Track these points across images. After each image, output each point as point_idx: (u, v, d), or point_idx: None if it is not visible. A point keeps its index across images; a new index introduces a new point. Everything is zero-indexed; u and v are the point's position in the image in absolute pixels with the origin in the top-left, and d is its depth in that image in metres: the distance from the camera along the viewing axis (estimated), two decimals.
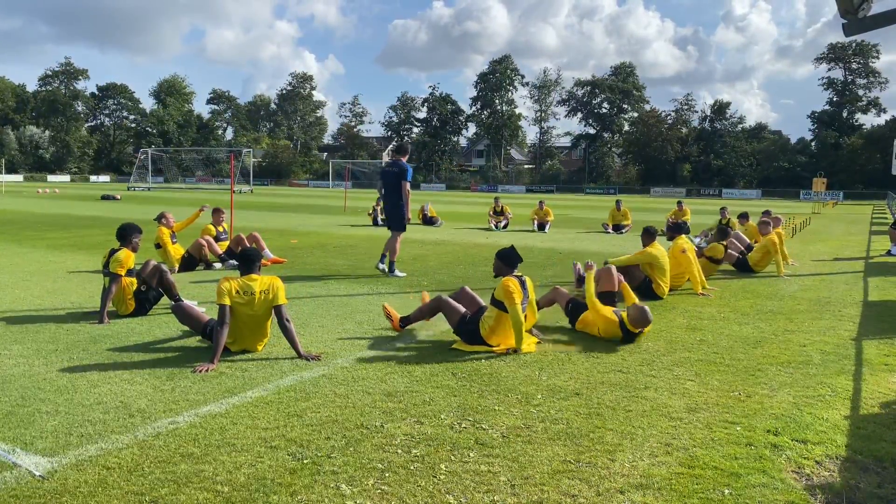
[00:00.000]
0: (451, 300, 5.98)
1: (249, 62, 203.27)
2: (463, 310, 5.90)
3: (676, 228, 9.59)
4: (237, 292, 5.24)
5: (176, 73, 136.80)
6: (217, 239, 10.60)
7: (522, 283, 5.65)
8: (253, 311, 5.25)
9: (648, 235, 8.54)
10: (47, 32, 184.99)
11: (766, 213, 14.64)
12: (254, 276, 5.37)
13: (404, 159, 9.90)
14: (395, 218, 9.86)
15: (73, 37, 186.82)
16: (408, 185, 9.68)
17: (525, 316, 5.64)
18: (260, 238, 11.04)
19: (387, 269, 9.85)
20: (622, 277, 7.06)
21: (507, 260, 5.82)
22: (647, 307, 5.89)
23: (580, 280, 7.98)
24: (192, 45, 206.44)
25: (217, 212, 11.01)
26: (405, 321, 6.16)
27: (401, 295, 8.23)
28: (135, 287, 6.74)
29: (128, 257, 6.71)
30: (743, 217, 14.72)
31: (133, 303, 6.71)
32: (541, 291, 8.65)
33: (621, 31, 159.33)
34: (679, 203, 21.56)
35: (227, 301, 5.17)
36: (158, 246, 9.84)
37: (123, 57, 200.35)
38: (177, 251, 9.95)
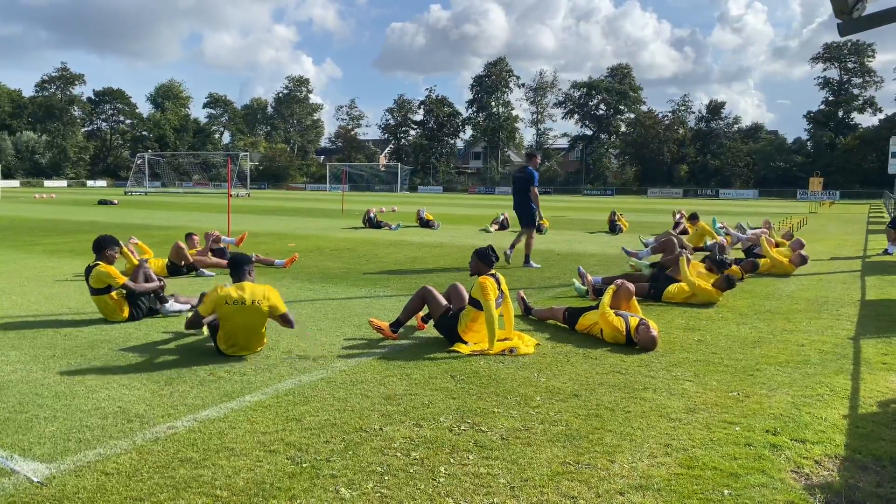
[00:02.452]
0: (436, 292, 6.10)
1: (247, 66, 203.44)
2: (446, 304, 6.01)
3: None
4: (227, 302, 5.22)
5: (173, 77, 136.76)
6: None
7: (497, 281, 5.86)
8: (245, 318, 5.25)
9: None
10: (46, 38, 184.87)
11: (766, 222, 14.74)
12: (244, 283, 5.36)
13: (532, 166, 11.38)
14: (525, 216, 11.29)
15: (72, 42, 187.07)
16: (535, 189, 11.18)
17: (501, 313, 5.89)
18: (260, 257, 10.96)
19: (509, 255, 11.24)
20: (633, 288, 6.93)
21: (486, 259, 6.02)
22: (656, 336, 5.82)
23: (596, 290, 7.95)
24: (190, 50, 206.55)
25: (189, 237, 10.87)
26: (396, 325, 6.09)
27: (398, 297, 8.22)
28: (123, 292, 6.66)
29: (109, 270, 6.55)
30: (693, 218, 14.88)
31: (126, 309, 6.68)
32: (539, 293, 8.68)
33: (618, 32, 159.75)
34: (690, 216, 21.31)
35: (207, 312, 5.29)
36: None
37: (122, 62, 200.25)
38: (157, 263, 9.85)
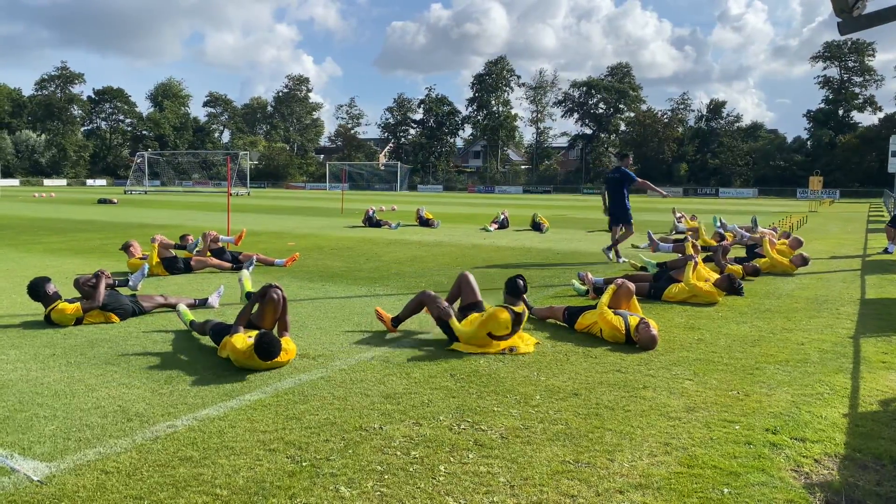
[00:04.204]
0: (434, 294, 6.08)
1: (248, 65, 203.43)
2: (445, 304, 5.97)
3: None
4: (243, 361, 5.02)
5: (173, 76, 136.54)
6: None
7: (518, 318, 5.55)
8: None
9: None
10: (48, 37, 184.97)
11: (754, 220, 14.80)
12: (270, 361, 4.99)
13: (624, 166, 12.20)
14: (620, 214, 11.99)
15: (73, 41, 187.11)
16: (639, 180, 12.18)
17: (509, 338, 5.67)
18: (261, 256, 10.95)
19: (613, 257, 11.95)
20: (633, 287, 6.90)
21: (513, 289, 5.61)
22: (656, 335, 5.81)
23: (597, 289, 7.97)
24: (191, 49, 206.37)
25: (183, 238, 11.08)
26: (396, 321, 6.27)
27: (397, 296, 8.23)
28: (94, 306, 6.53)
29: (62, 309, 6.38)
30: (693, 218, 14.99)
31: (112, 316, 6.59)
32: (539, 291, 8.68)
33: (619, 31, 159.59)
34: (693, 216, 21.34)
35: (223, 354, 5.18)
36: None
37: (123, 61, 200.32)
38: (154, 259, 9.85)
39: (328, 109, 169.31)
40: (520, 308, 5.59)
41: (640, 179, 12.21)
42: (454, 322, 5.75)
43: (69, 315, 6.37)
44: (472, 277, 6.17)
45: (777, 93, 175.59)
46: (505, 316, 5.49)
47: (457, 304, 6.12)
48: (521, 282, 5.64)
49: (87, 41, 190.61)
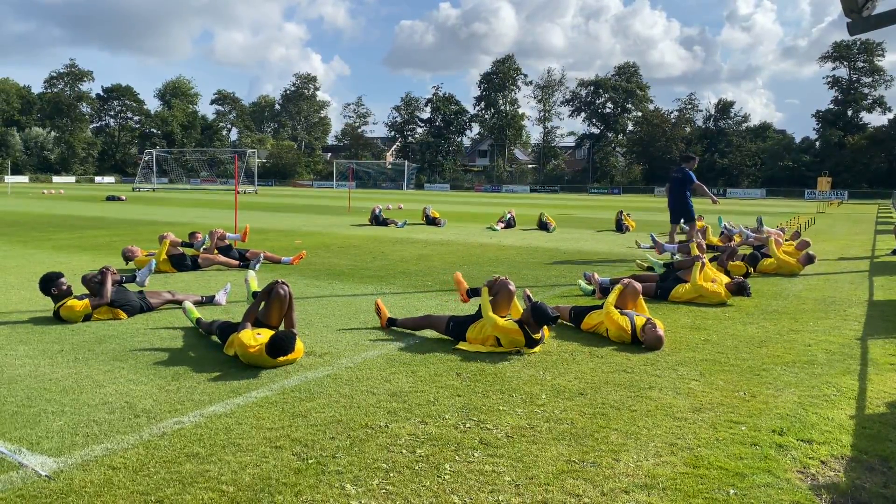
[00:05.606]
0: (437, 316, 6.20)
1: (257, 64, 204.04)
2: (448, 317, 6.02)
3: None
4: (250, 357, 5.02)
5: (182, 74, 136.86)
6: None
7: (529, 344, 5.53)
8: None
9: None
10: (60, 35, 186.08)
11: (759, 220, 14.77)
12: (278, 359, 5.02)
13: (688, 167, 12.49)
14: (681, 212, 12.53)
15: (84, 40, 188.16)
16: (696, 183, 12.55)
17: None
18: (268, 254, 10.96)
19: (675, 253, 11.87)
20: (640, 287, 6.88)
21: (540, 317, 5.50)
22: (662, 335, 5.79)
23: (603, 289, 7.96)
24: (201, 48, 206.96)
25: (192, 235, 11.21)
26: (391, 321, 6.33)
27: (403, 295, 8.24)
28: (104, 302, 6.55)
29: (71, 306, 6.39)
30: (699, 218, 15.04)
31: (119, 312, 6.62)
32: (545, 290, 8.67)
33: (627, 31, 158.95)
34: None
35: (230, 351, 5.20)
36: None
37: (133, 59, 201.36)
38: (161, 255, 9.88)
39: (336, 108, 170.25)
40: (538, 336, 5.56)
41: (697, 182, 12.60)
42: (486, 293, 5.78)
43: (78, 311, 6.41)
44: (511, 286, 5.92)
45: (786, 93, 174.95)
46: (519, 339, 5.49)
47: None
48: (554, 316, 5.53)
49: (99, 39, 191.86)
